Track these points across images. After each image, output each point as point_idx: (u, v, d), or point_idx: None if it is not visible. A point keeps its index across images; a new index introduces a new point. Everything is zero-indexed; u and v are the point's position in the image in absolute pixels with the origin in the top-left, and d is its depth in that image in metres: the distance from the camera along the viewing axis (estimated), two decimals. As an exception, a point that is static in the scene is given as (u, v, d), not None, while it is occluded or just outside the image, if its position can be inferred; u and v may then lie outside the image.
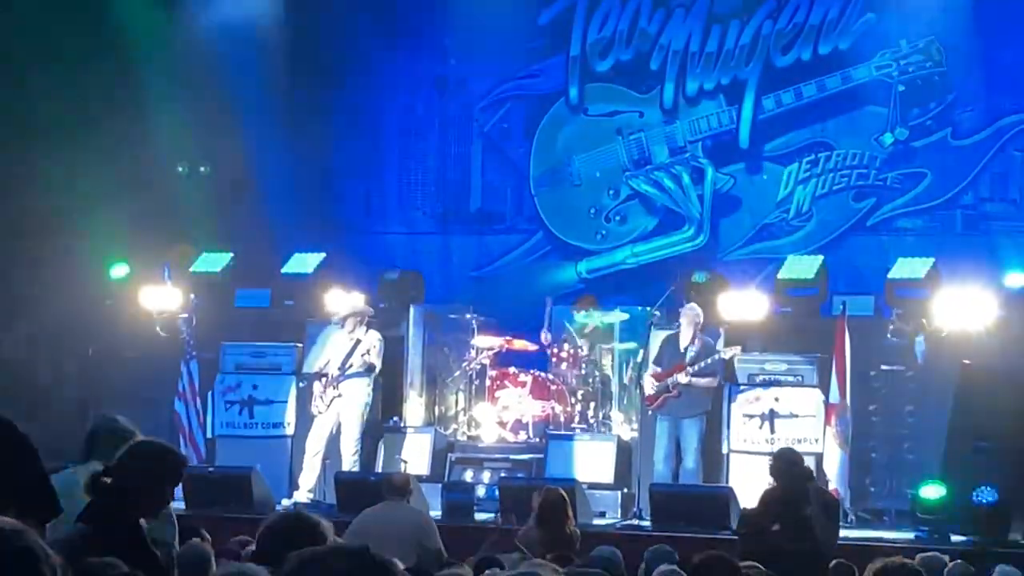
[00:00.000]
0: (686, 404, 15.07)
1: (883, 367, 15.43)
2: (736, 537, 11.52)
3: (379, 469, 15.40)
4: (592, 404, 16.43)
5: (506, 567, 7.93)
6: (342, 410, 15.50)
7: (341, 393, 15.49)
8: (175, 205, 17.67)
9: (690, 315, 15.25)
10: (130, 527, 5.94)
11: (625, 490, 15.11)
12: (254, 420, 16.37)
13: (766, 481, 11.59)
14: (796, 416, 15.09)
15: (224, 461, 15.64)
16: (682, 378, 14.96)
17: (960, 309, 15.25)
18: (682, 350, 15.16)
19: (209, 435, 16.26)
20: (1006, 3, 17.47)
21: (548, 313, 16.89)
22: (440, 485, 14.82)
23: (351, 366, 15.51)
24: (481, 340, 16.59)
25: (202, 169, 18.48)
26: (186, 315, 16.51)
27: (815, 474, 13.80)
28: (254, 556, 5.11)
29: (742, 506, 12.77)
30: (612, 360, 16.65)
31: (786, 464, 11.47)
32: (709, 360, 14.98)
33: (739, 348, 15.25)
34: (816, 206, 18.23)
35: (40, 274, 17.24)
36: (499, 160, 19.52)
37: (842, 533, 12.86)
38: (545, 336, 16.70)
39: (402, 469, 14.67)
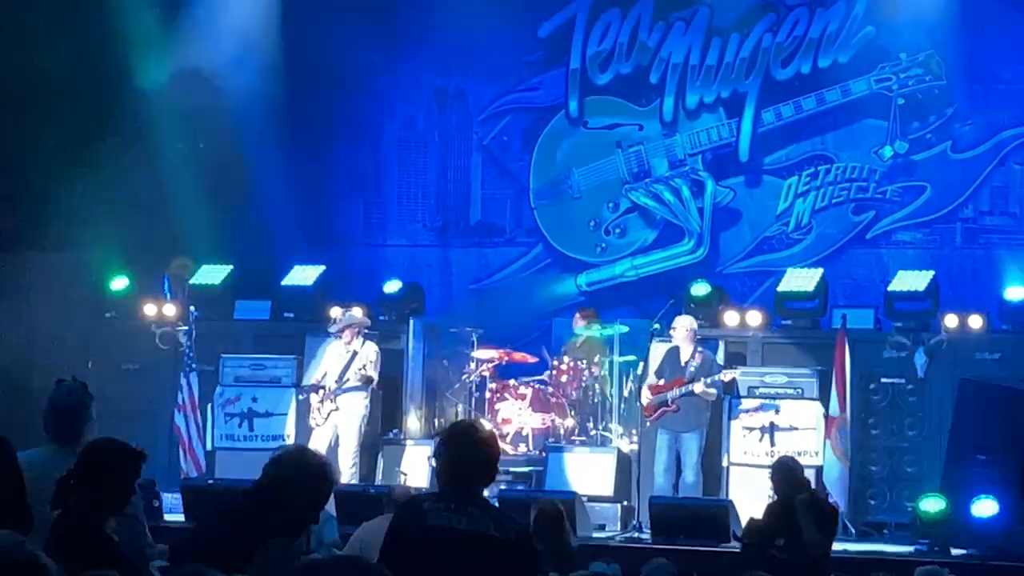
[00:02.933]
0: (685, 418, 15.05)
1: (883, 380, 15.42)
2: (740, 546, 11.48)
3: (379, 482, 15.38)
4: (592, 416, 16.42)
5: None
6: (339, 423, 15.50)
7: (338, 407, 15.49)
8: (175, 218, 17.66)
9: (686, 330, 15.20)
10: (98, 529, 5.97)
11: (625, 503, 15.09)
12: (254, 432, 16.35)
13: (766, 494, 11.58)
14: (796, 429, 15.08)
15: (224, 473, 15.61)
16: (697, 387, 14.90)
17: (960, 322, 15.28)
18: (683, 364, 15.13)
19: (209, 447, 16.23)
20: (1006, 17, 17.47)
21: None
22: (440, 498, 14.77)
23: (348, 380, 15.51)
24: (481, 352, 16.59)
25: (201, 146, 18.45)
26: (186, 327, 16.50)
27: (815, 486, 13.81)
28: None
29: (750, 516, 12.69)
30: (612, 373, 16.64)
31: (782, 474, 11.46)
32: (710, 380, 14.95)
33: (739, 371, 15.23)
34: (816, 219, 18.24)
35: (39, 286, 17.23)
36: (499, 173, 19.52)
37: (842, 546, 12.85)
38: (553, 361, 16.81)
39: (402, 481, 14.67)
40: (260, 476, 6.28)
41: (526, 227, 19.33)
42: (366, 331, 15.89)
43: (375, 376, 15.58)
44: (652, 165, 18.87)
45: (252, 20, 18.53)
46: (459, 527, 5.93)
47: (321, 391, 15.54)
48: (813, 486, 13.57)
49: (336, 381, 15.52)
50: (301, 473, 6.17)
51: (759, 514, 11.53)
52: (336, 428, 15.49)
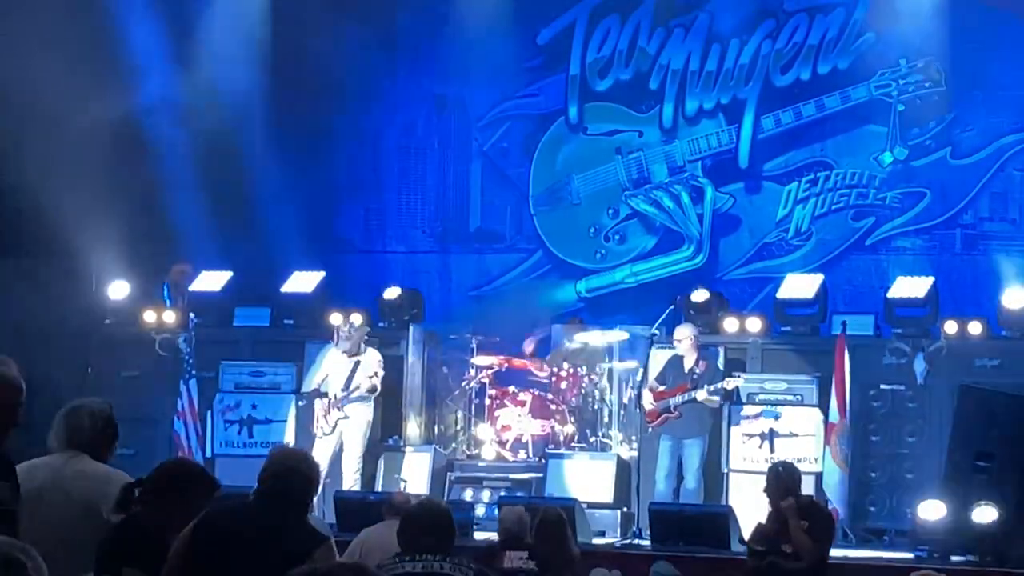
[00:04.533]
0: (688, 425, 15.04)
1: (883, 386, 15.41)
2: (747, 551, 11.48)
3: (379, 488, 15.38)
4: (592, 423, 16.42)
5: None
6: (346, 430, 15.47)
7: (347, 415, 15.45)
8: (174, 224, 17.67)
9: (690, 338, 15.19)
10: (162, 540, 5.99)
11: (624, 509, 15.09)
12: (253, 439, 16.35)
13: (765, 500, 11.57)
14: (796, 435, 15.07)
15: (223, 480, 15.32)
16: (700, 395, 14.90)
17: (959, 329, 15.27)
18: (687, 371, 15.13)
19: (208, 454, 16.22)
20: (1005, 23, 17.48)
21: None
22: (439, 504, 14.75)
23: (357, 388, 15.46)
24: (480, 359, 16.59)
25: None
26: (185, 334, 16.50)
27: (815, 492, 13.82)
28: None
29: (759, 522, 12.71)
30: (611, 379, 16.63)
31: (769, 480, 11.43)
32: (713, 387, 14.94)
33: (743, 379, 15.22)
34: (815, 225, 18.25)
35: (39, 293, 17.22)
36: (498, 179, 19.53)
37: (842, 552, 12.86)
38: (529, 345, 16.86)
39: (401, 488, 14.66)
40: (261, 484, 6.30)
41: (526, 233, 19.34)
42: (367, 337, 15.89)
43: (379, 384, 15.56)
44: (652, 171, 18.87)
45: (251, 27, 18.54)
46: (412, 571, 6.13)
47: (326, 399, 15.50)
48: (812, 493, 13.60)
49: (343, 389, 15.47)
50: (292, 467, 6.20)
51: (763, 520, 11.53)
52: (341, 435, 15.47)
